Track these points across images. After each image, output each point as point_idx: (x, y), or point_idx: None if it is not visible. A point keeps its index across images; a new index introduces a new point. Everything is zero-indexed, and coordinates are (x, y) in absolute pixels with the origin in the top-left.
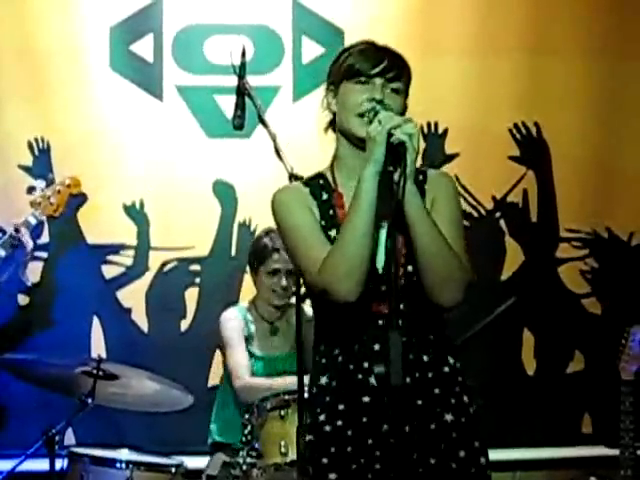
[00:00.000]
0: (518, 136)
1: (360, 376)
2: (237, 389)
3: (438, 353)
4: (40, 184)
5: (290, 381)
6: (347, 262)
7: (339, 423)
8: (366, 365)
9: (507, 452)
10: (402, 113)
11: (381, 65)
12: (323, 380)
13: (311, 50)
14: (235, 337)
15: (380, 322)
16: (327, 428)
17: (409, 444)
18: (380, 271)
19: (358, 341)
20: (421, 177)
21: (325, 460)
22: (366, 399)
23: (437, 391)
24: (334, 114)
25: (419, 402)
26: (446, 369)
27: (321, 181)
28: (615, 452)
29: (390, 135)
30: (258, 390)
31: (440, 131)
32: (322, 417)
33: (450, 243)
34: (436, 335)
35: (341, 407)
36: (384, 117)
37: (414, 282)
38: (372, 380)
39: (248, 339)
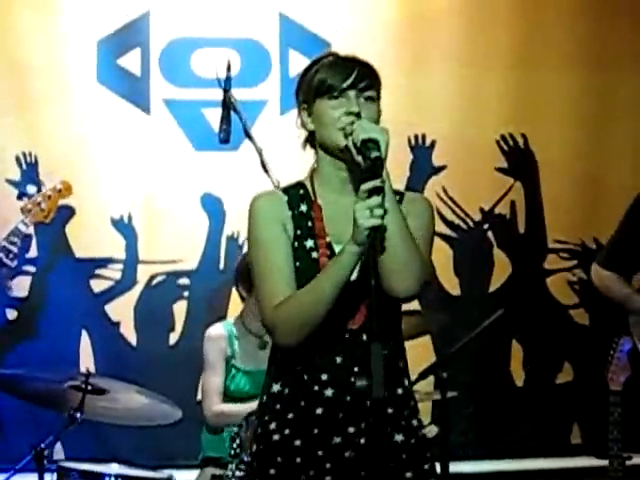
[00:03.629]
0: (505, 148)
1: (316, 387)
2: (205, 417)
3: (394, 374)
4: (30, 190)
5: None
6: (302, 322)
7: (287, 432)
8: (325, 377)
9: (497, 463)
10: (378, 119)
11: (351, 77)
12: (275, 388)
13: (298, 63)
14: (212, 360)
15: (347, 335)
16: (275, 437)
17: (362, 459)
18: (354, 278)
19: (320, 352)
20: (398, 197)
21: (272, 471)
22: (319, 411)
23: (390, 411)
24: (310, 132)
25: (371, 420)
26: (400, 391)
27: (301, 191)
28: (604, 463)
29: (363, 148)
30: (227, 417)
31: (428, 143)
32: (272, 426)
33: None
34: (394, 355)
35: (290, 416)
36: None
37: (383, 299)
38: (328, 392)
39: (231, 357)
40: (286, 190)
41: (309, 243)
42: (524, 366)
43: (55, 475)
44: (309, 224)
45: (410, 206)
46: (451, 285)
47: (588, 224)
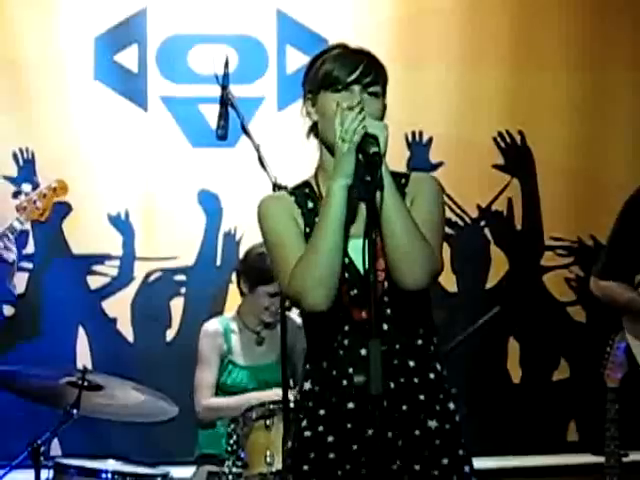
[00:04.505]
0: (502, 145)
1: (345, 382)
2: (197, 412)
3: (425, 359)
4: (26, 188)
5: (250, 397)
6: (315, 273)
7: (320, 429)
8: (351, 371)
9: (493, 460)
10: (382, 116)
11: (357, 71)
12: (307, 386)
13: (295, 60)
14: (206, 355)
15: (367, 327)
16: (307, 434)
17: (393, 450)
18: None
19: (342, 347)
20: (403, 180)
21: (306, 467)
22: (351, 405)
23: (422, 397)
24: (315, 122)
25: (404, 407)
26: (432, 375)
27: (307, 190)
28: (601, 460)
29: (362, 144)
30: (216, 411)
31: (425, 140)
32: (304, 423)
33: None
34: (424, 341)
35: (322, 412)
36: (350, 126)
37: (398, 288)
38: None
39: (228, 352)
40: (292, 192)
41: None
42: (521, 363)
43: (51, 471)
44: (316, 220)
45: (416, 187)
46: (448, 282)
47: (585, 221)
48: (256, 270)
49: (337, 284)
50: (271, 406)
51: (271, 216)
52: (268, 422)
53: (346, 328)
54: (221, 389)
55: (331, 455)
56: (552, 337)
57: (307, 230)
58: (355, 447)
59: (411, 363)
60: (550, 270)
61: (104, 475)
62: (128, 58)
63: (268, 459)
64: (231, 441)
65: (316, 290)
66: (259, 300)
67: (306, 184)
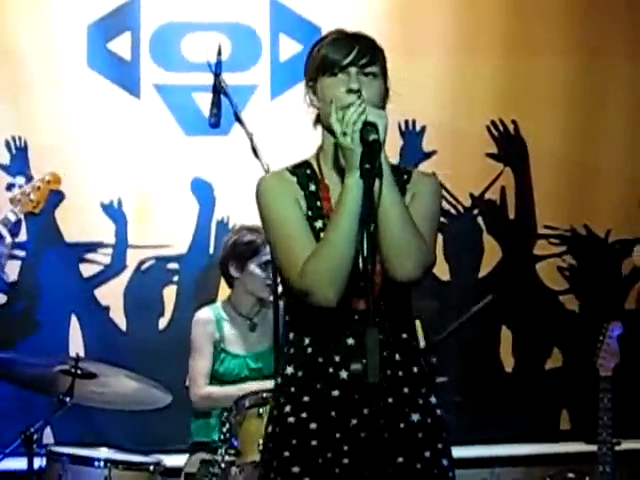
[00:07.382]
0: (496, 133)
1: (331, 369)
2: (193, 400)
3: (409, 353)
4: (19, 181)
5: (246, 388)
6: (330, 269)
7: (303, 415)
8: (337, 359)
9: (486, 448)
10: (383, 97)
11: (352, 53)
12: (289, 370)
13: (288, 48)
14: (200, 343)
15: (356, 317)
16: (291, 419)
17: (379, 440)
18: (361, 267)
19: (331, 334)
20: (405, 177)
21: (287, 453)
22: (335, 393)
23: (406, 390)
24: (318, 109)
25: (390, 400)
26: (415, 369)
27: (308, 170)
28: (593, 448)
29: (362, 132)
30: (214, 400)
31: (418, 129)
32: (287, 408)
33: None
34: (409, 335)
35: (306, 399)
36: (350, 118)
37: (393, 281)
38: (343, 374)
39: (220, 341)
40: (293, 171)
41: (318, 224)
42: (513, 352)
43: (44, 459)
44: (318, 204)
45: (418, 184)
46: (441, 270)
47: (578, 210)
48: (242, 245)
49: (347, 280)
50: (264, 394)
51: (272, 199)
52: (261, 410)
53: (338, 316)
54: (214, 377)
55: (313, 442)
56: (545, 326)
57: (309, 213)
58: (338, 435)
59: (397, 356)
60: (543, 259)
61: (97, 463)
62: (121, 46)
63: (261, 447)
64: (224, 429)
65: (330, 286)
66: (253, 276)
67: (306, 164)
